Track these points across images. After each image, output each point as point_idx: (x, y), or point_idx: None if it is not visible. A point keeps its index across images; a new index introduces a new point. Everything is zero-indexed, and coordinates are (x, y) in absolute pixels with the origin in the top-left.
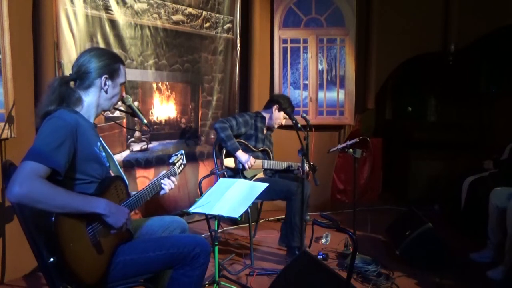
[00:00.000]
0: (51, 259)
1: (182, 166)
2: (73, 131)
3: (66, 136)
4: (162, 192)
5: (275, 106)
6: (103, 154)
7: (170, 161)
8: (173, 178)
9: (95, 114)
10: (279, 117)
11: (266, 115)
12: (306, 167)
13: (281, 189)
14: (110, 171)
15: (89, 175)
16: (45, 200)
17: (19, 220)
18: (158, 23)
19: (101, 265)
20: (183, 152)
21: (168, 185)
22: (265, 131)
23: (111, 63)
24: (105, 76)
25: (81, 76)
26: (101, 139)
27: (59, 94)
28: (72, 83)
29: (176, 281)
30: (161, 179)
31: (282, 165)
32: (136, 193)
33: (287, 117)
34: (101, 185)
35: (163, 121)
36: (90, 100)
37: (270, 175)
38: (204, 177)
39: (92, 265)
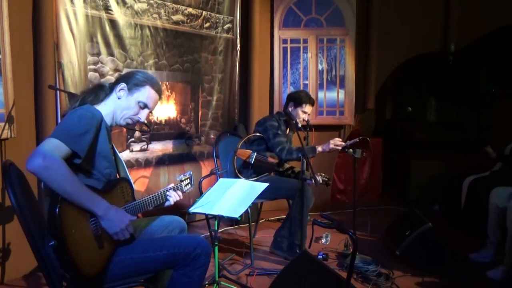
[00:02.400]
0: (52, 242)
1: (189, 186)
2: (98, 124)
3: (91, 126)
4: (167, 203)
5: (290, 104)
6: (112, 157)
7: (178, 178)
8: (179, 192)
9: (110, 119)
10: (298, 114)
11: (287, 115)
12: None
13: (287, 187)
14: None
15: (99, 172)
16: (60, 181)
17: (19, 220)
18: (158, 23)
19: (100, 260)
20: (191, 173)
21: (173, 197)
22: (287, 132)
23: (140, 79)
24: (123, 84)
25: (115, 82)
26: (112, 144)
27: (93, 89)
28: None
29: (177, 281)
30: (167, 191)
31: (284, 166)
32: (141, 200)
33: (307, 111)
34: (108, 184)
35: (163, 121)
36: (109, 103)
37: (279, 174)
38: (204, 177)
39: (91, 257)
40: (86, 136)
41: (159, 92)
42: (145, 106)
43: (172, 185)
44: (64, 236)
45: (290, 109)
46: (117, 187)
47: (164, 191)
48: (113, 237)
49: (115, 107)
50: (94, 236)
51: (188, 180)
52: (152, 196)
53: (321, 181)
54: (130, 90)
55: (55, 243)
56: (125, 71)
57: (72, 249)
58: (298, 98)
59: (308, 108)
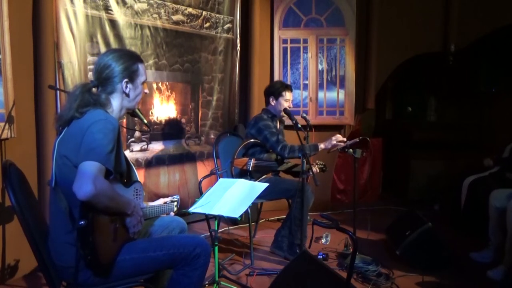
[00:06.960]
0: (82, 222)
1: (176, 208)
2: (117, 133)
3: (115, 139)
4: (171, 214)
5: (270, 99)
6: (124, 162)
7: (170, 199)
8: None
9: (120, 116)
10: (281, 105)
11: (272, 111)
12: (310, 171)
13: (287, 187)
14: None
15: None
16: (106, 202)
17: (19, 220)
18: (158, 23)
19: (112, 251)
20: (178, 197)
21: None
22: (278, 127)
23: (130, 66)
24: (126, 80)
25: (102, 82)
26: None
27: (83, 101)
28: (94, 89)
29: (176, 281)
30: (171, 202)
31: (285, 166)
32: (149, 206)
33: (288, 99)
34: (125, 185)
35: (163, 121)
36: (116, 104)
37: (277, 174)
38: (204, 177)
39: (107, 246)
40: (113, 151)
41: (141, 58)
42: (145, 80)
43: (174, 201)
44: (94, 218)
45: (272, 103)
46: (132, 188)
47: (163, 207)
48: (129, 230)
49: (123, 102)
50: (112, 228)
51: (176, 202)
52: (161, 205)
53: (318, 170)
54: (132, 80)
55: (85, 223)
56: None
57: (97, 232)
58: (276, 89)
59: (289, 95)
